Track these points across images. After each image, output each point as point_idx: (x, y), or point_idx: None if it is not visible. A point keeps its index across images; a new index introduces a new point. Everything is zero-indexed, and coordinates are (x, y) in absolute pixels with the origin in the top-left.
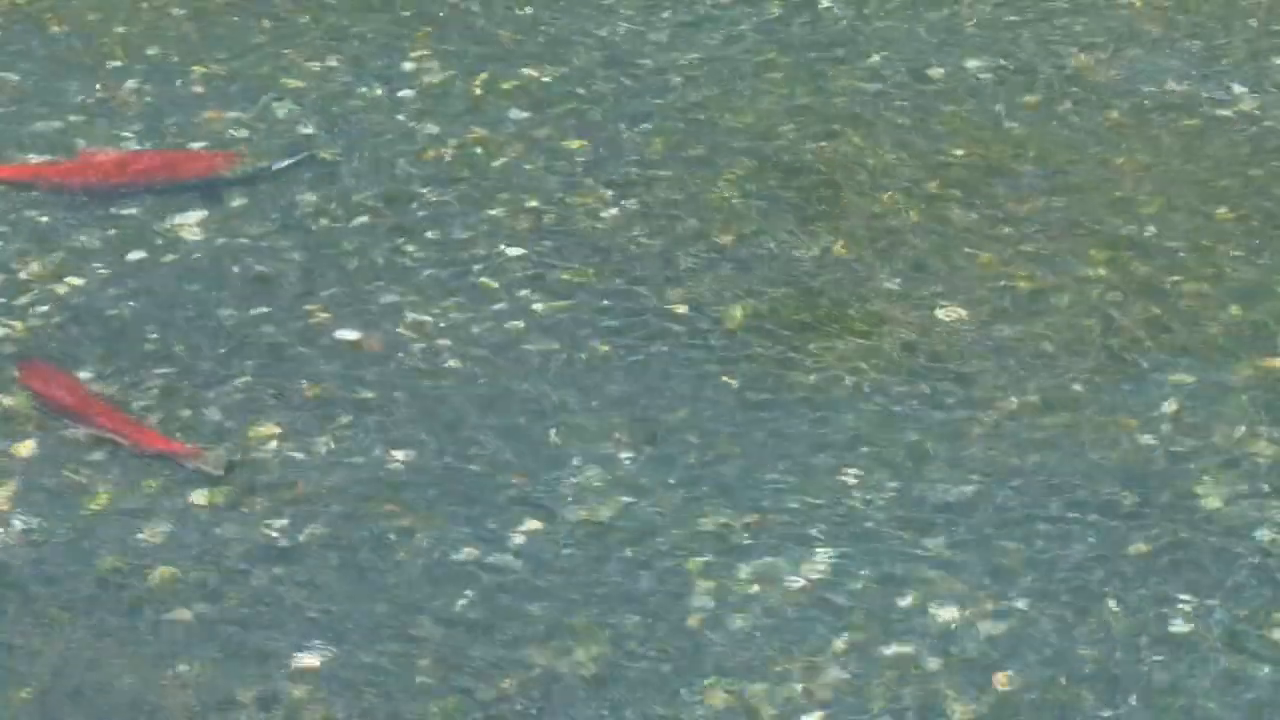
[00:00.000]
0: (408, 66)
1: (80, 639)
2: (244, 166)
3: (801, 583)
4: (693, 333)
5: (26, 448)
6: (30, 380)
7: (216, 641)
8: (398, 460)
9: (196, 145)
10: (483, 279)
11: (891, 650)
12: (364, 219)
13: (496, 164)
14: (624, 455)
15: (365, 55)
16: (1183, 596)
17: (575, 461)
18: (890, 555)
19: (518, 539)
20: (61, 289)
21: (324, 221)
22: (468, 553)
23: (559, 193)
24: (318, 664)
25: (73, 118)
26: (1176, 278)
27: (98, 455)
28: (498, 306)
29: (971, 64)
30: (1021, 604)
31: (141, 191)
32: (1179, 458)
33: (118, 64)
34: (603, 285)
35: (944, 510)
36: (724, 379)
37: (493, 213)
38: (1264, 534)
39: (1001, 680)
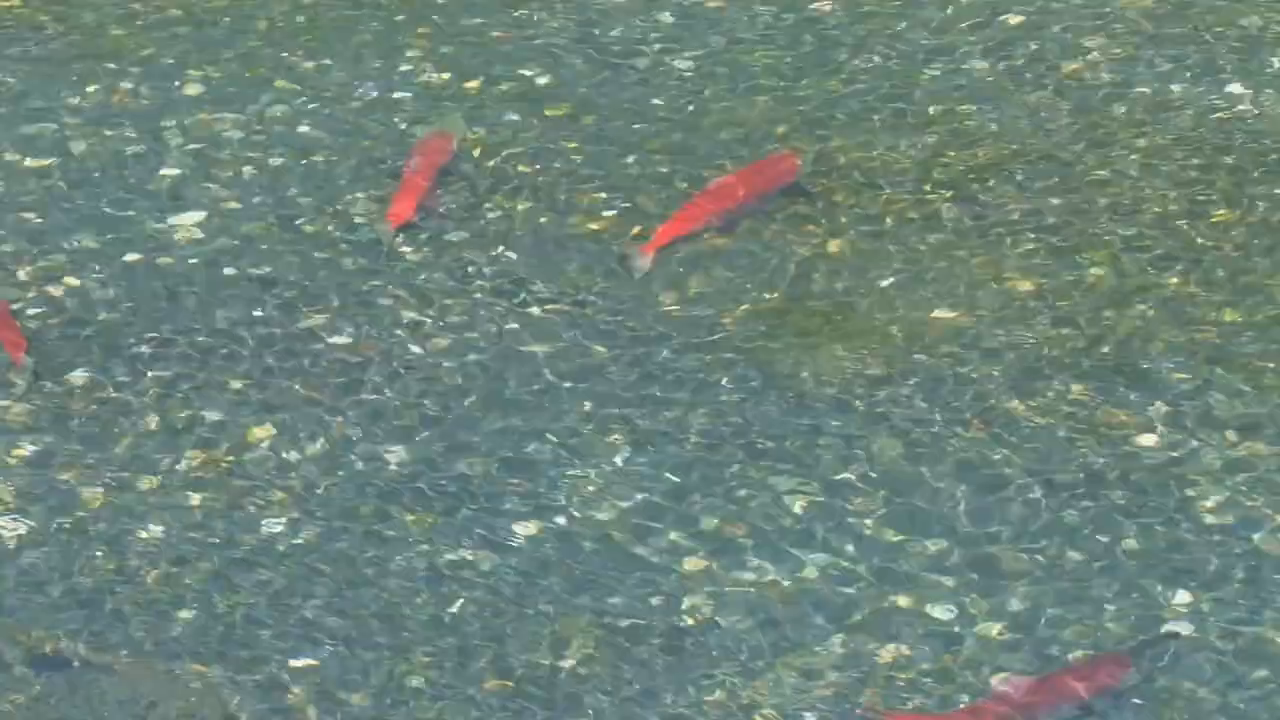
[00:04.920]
0: (404, 68)
1: (79, 640)
2: (804, 167)
3: (799, 582)
4: (690, 333)
5: (25, 448)
6: None
7: (216, 641)
8: (394, 461)
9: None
10: (479, 281)
11: (888, 651)
12: (361, 220)
13: (491, 164)
14: (621, 456)
15: (361, 56)
16: (1181, 596)
17: (573, 463)
18: (887, 555)
19: (515, 540)
20: (58, 290)
21: (320, 222)
22: (464, 553)
23: (556, 194)
24: (316, 664)
25: (69, 120)
26: (1175, 278)
27: (97, 456)
28: (495, 308)
29: (970, 64)
30: (1019, 605)
31: (759, 210)
32: (1177, 458)
33: (113, 66)
34: (600, 286)
35: (942, 510)
36: (721, 380)
37: (490, 215)
38: (1261, 535)
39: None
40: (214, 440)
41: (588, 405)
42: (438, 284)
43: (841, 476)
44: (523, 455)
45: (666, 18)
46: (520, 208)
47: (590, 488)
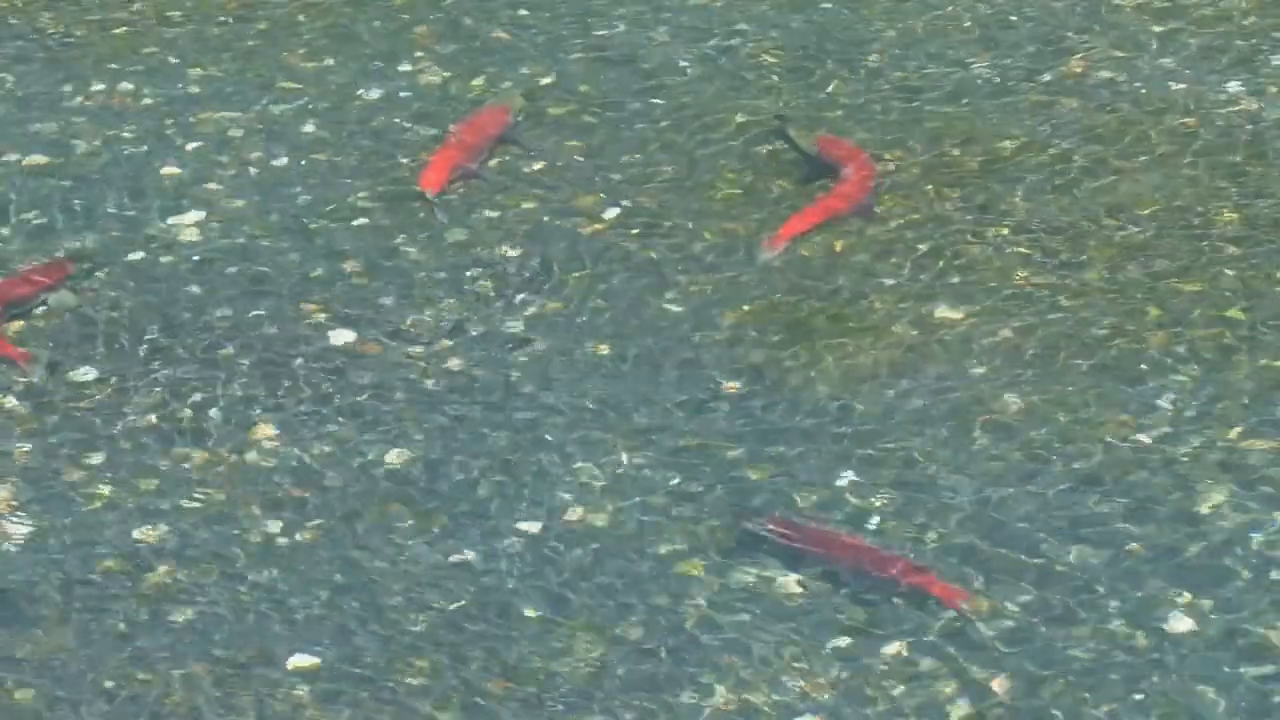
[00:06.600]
0: (405, 67)
1: (79, 639)
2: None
3: (800, 583)
4: (691, 332)
5: (26, 448)
6: None
7: (216, 641)
8: (395, 461)
9: None
10: (481, 280)
11: (889, 650)
12: (362, 220)
13: (493, 163)
14: (621, 456)
15: (363, 56)
16: (1181, 596)
17: (573, 462)
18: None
19: (515, 539)
20: (61, 290)
21: (321, 221)
22: (465, 553)
23: (557, 193)
24: (316, 664)
25: (72, 119)
26: (1176, 278)
27: (97, 455)
28: (495, 307)
29: (971, 64)
30: (1020, 604)
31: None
32: (1177, 458)
33: (115, 66)
34: (600, 285)
35: (942, 510)
36: (722, 379)
37: (491, 213)
38: (1262, 534)
39: (1000, 681)
40: (216, 439)
41: (589, 404)
42: (439, 283)
43: (842, 478)
44: (524, 454)
45: (668, 15)
46: (522, 206)
47: (591, 487)
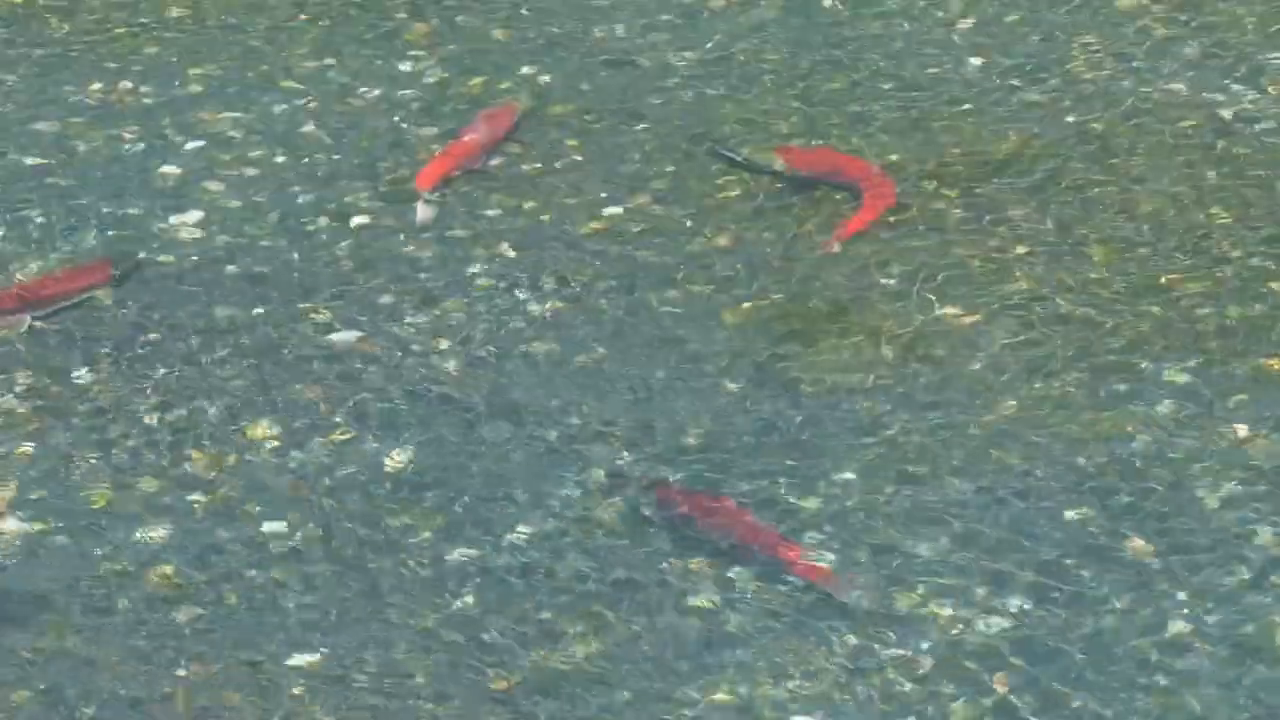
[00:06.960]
0: (405, 67)
1: (80, 639)
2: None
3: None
4: (692, 332)
5: (27, 448)
6: None
7: (216, 641)
8: (396, 460)
9: None
10: (481, 279)
11: (891, 650)
12: (362, 219)
13: (494, 163)
14: (622, 455)
15: (363, 56)
16: (1182, 596)
17: (574, 461)
18: (888, 554)
19: (516, 538)
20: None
21: (321, 221)
22: (466, 552)
23: (557, 192)
24: (316, 662)
25: (72, 118)
26: (1176, 277)
27: (98, 455)
28: (496, 306)
29: (971, 64)
30: (1020, 604)
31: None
32: (1178, 458)
33: (115, 65)
34: (601, 285)
35: (943, 509)
36: (723, 379)
37: (491, 213)
38: (1263, 533)
39: (1000, 680)
40: (215, 439)
41: (589, 403)
42: (439, 282)
43: (842, 477)
44: (525, 454)
45: (668, 16)
46: (522, 206)
47: (591, 487)
